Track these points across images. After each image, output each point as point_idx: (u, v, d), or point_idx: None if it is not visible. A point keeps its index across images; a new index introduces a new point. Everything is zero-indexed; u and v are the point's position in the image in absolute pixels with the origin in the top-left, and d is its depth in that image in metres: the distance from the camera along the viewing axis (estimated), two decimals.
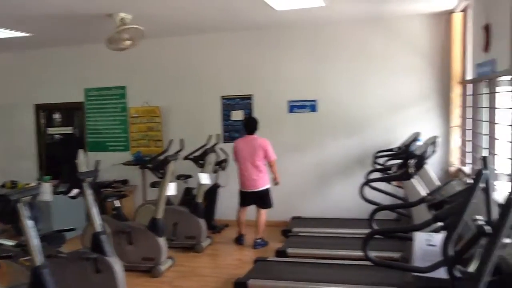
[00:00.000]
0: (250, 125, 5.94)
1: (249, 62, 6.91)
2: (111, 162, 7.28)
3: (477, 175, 1.72)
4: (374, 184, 4.40)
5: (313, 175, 6.76)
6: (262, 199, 5.90)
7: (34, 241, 3.47)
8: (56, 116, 8.31)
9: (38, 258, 3.45)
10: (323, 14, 5.85)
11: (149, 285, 4.84)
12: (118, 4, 4.98)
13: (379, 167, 5.47)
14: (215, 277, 4.97)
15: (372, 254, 2.68)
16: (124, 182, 7.37)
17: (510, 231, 1.87)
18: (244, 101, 6.97)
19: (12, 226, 4.27)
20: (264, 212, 5.92)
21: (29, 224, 3.46)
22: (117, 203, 5.38)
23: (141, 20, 5.44)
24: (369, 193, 4.30)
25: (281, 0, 5.08)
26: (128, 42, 5.44)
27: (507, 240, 1.60)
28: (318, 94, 6.66)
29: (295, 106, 6.73)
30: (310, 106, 6.66)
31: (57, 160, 8.04)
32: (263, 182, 5.86)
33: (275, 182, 5.95)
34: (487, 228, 1.38)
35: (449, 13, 6.00)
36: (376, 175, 4.80)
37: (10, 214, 3.46)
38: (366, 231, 3.01)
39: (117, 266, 4.21)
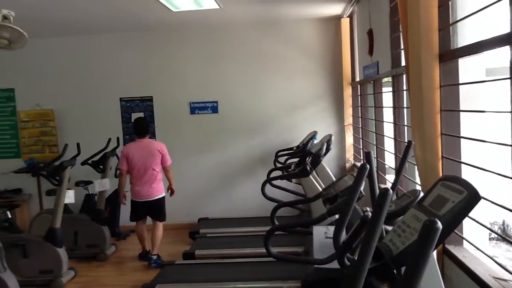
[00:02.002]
0: (142, 127, 5.42)
1: (149, 63, 6.81)
2: (1, 170, 6.76)
3: (360, 169, 1.88)
4: (275, 182, 4.57)
5: (217, 176, 6.84)
6: (159, 209, 5.40)
7: None
8: None
9: None
10: (220, 16, 5.94)
11: None
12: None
13: (279, 165, 5.69)
14: (120, 286, 4.85)
15: (276, 250, 2.79)
16: (17, 191, 6.88)
17: (393, 220, 2.08)
18: (145, 103, 6.85)
19: None
20: (161, 225, 5.45)
21: None
22: (8, 214, 5.02)
23: (27, 18, 5.12)
24: (271, 191, 4.46)
25: (177, 1, 5.06)
26: (5, 42, 5.04)
27: (388, 228, 1.78)
28: (219, 95, 6.75)
29: (197, 108, 6.76)
30: (212, 107, 6.73)
31: None
32: (159, 190, 5.40)
33: (171, 190, 5.50)
34: (369, 217, 1.53)
35: (337, 18, 6.41)
36: (277, 173, 4.98)
37: None
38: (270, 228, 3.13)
39: (12, 282, 3.94)
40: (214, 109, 6.73)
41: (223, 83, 6.73)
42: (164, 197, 5.47)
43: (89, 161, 6.06)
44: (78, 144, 5.89)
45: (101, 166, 6.08)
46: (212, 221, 6.61)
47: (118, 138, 6.43)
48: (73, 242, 5.61)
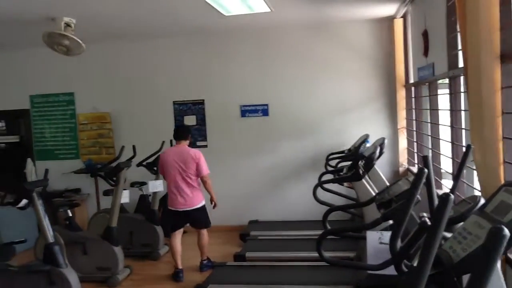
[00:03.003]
0: (178, 132, 5.24)
1: (201, 67, 6.93)
2: (62, 170, 7.09)
3: (418, 174, 1.84)
4: (326, 185, 4.54)
5: (267, 179, 6.86)
6: (200, 218, 5.13)
7: None
8: (0, 124, 7.99)
9: None
10: (271, 19, 5.96)
11: None
12: (61, 8, 4.87)
13: (331, 169, 5.64)
14: (173, 285, 4.95)
15: (327, 254, 2.78)
16: (76, 191, 7.19)
17: (451, 226, 2.02)
18: (197, 106, 6.98)
19: None
20: (205, 232, 5.21)
21: None
22: (69, 213, 5.26)
23: (86, 24, 5.36)
24: (322, 194, 4.43)
25: (229, 6, 5.14)
26: (63, 49, 5.30)
27: (447, 235, 1.73)
28: (269, 98, 6.77)
29: (248, 111, 6.81)
30: (262, 110, 6.76)
31: (2, 171, 7.74)
32: (198, 199, 5.08)
33: (213, 203, 5.16)
34: (428, 223, 1.50)
35: (390, 19, 6.28)
36: (329, 177, 4.94)
37: None
38: (321, 232, 3.12)
39: (72, 277, 4.13)
40: (265, 112, 6.76)
41: (274, 86, 6.75)
42: (204, 205, 5.13)
43: (144, 163, 6.24)
44: (134, 147, 6.08)
45: (155, 168, 6.24)
46: (262, 223, 6.63)
47: (171, 141, 6.56)
48: (129, 241, 5.80)
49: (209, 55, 6.88)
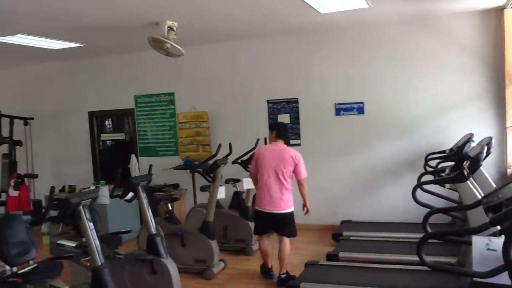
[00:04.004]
0: (283, 130, 4.98)
1: (294, 66, 6.94)
2: (162, 166, 7.47)
3: None
4: (426, 186, 4.32)
5: (362, 178, 6.70)
6: (286, 224, 4.78)
7: (94, 242, 3.63)
8: (108, 123, 8.64)
9: (98, 258, 3.61)
10: (368, 15, 5.81)
11: (202, 287, 4.95)
12: (164, 13, 5.14)
13: (430, 169, 5.37)
14: (265, 281, 5.01)
15: (428, 259, 2.65)
16: (175, 186, 7.57)
17: None
18: (290, 105, 7.00)
19: (72, 228, 4.50)
20: (288, 242, 4.82)
21: (89, 226, 3.63)
22: (169, 207, 5.54)
23: (187, 27, 5.61)
24: (421, 196, 4.23)
25: (325, 3, 5.09)
26: (163, 53, 5.59)
27: None
28: (365, 96, 6.60)
29: (342, 109, 6.70)
30: (358, 108, 6.61)
31: (110, 165, 8.38)
32: (288, 203, 4.75)
33: (305, 209, 4.86)
34: None
35: (499, 10, 5.82)
36: (428, 177, 4.70)
37: (71, 216, 3.64)
38: (419, 235, 2.97)
39: (172, 267, 4.34)
40: (360, 110, 6.60)
41: (370, 84, 6.56)
42: (293, 212, 4.81)
43: (239, 160, 6.39)
44: (230, 144, 6.25)
45: (249, 165, 6.37)
46: (356, 224, 6.48)
47: (265, 139, 6.65)
48: (223, 235, 5.98)
49: (303, 54, 6.87)
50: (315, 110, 6.87)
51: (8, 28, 5.46)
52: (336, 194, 6.78)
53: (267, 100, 7.13)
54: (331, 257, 5.29)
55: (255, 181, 4.96)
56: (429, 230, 3.38)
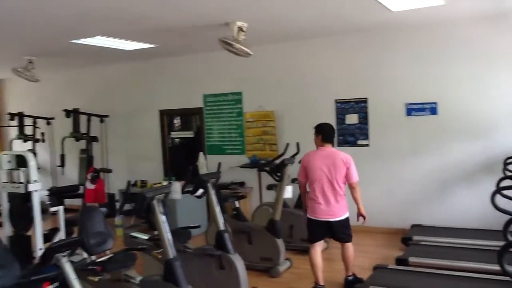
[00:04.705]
0: (330, 133, 4.64)
1: (363, 65, 6.80)
2: (228, 164, 7.58)
3: None
4: (506, 192, 4.08)
5: (434, 181, 6.43)
6: (341, 231, 4.55)
7: (167, 235, 3.76)
8: (176, 121, 8.91)
9: (171, 251, 3.73)
10: (441, 13, 5.57)
11: (267, 285, 4.99)
12: (234, 13, 5.22)
13: (511, 173, 5.07)
14: (331, 282, 4.95)
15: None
16: (241, 184, 7.66)
17: None
18: (359, 105, 6.87)
19: (145, 221, 4.69)
20: (351, 245, 4.64)
21: (162, 220, 3.76)
22: (237, 204, 5.63)
23: (256, 27, 5.66)
24: (500, 201, 3.99)
25: (397, 1, 4.95)
26: (234, 52, 5.67)
27: None
28: (438, 96, 6.33)
29: (413, 109, 6.47)
30: (430, 108, 6.36)
31: (178, 162, 8.65)
32: (343, 210, 4.52)
33: (361, 216, 4.56)
34: None
35: None
36: (508, 182, 4.44)
37: (145, 210, 3.79)
38: (496, 242, 2.83)
39: (240, 263, 4.40)
40: (433, 111, 6.34)
41: (443, 83, 6.29)
42: (348, 217, 4.57)
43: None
44: (297, 144, 6.23)
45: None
46: (427, 228, 6.24)
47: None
48: (289, 234, 5.97)
49: (373, 53, 6.72)
50: (385, 110, 6.69)
51: (88, 31, 5.78)
52: (406, 197, 6.56)
53: (335, 100, 7.03)
54: (400, 261, 5.14)
55: (304, 190, 4.71)
56: (510, 238, 3.20)
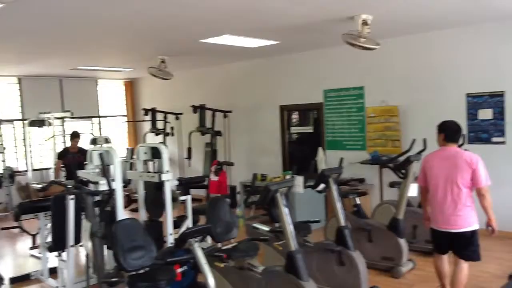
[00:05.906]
0: (457, 132, 4.07)
1: (503, 56, 6.21)
2: (348, 160, 7.40)
3: None
4: None
5: None
6: (464, 246, 3.94)
7: (290, 227, 3.83)
8: (294, 116, 9.00)
9: (293, 243, 3.79)
10: None
11: (389, 285, 4.85)
12: (359, 6, 5.10)
13: None
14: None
15: None
16: (361, 180, 7.51)
17: None
18: (494, 99, 6.31)
19: (267, 213, 4.83)
20: (467, 267, 3.98)
21: (285, 212, 3.84)
22: (357, 200, 5.53)
23: (381, 20, 5.47)
24: None
25: None
26: (356, 45, 5.53)
27: None
28: None
29: None
30: None
31: (296, 157, 8.75)
32: (467, 220, 3.89)
33: (490, 227, 3.90)
34: None
35: None
36: None
37: (269, 202, 3.90)
38: None
39: (360, 261, 4.34)
40: None
41: None
42: (476, 231, 3.92)
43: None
44: (424, 140, 5.92)
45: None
46: None
47: (463, 136, 6.07)
48: (412, 234, 5.72)
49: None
50: None
51: (216, 30, 6.08)
52: None
53: (467, 94, 6.54)
54: None
55: (424, 195, 4.25)
56: None
